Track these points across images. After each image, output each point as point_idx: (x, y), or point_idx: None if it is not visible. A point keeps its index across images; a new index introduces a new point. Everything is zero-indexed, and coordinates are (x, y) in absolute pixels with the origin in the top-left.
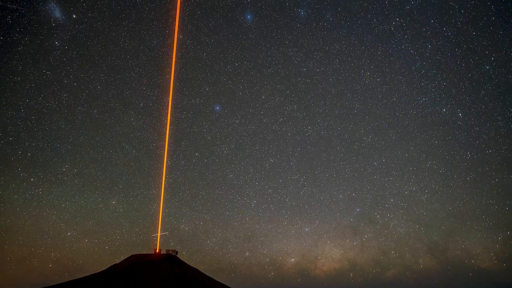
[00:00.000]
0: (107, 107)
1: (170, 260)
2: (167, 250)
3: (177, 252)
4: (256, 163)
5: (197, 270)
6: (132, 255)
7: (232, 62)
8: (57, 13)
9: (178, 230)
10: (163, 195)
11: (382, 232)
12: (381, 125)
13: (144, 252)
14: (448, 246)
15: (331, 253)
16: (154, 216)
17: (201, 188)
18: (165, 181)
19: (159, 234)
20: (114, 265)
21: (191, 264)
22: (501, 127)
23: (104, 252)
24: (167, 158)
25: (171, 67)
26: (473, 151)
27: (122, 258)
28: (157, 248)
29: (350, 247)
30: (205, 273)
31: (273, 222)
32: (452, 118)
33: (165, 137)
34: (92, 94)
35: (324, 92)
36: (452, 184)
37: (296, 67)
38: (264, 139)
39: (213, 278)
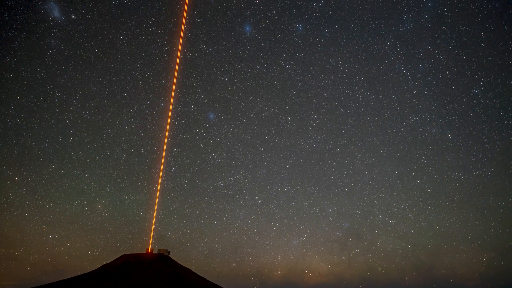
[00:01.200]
0: (99, 109)
1: (162, 259)
2: (159, 250)
3: (169, 252)
4: (247, 173)
5: (190, 270)
6: (123, 255)
7: (228, 71)
8: (56, 13)
9: (165, 237)
10: (158, 199)
11: (370, 249)
12: (372, 142)
13: (136, 252)
14: (434, 265)
15: (318, 267)
16: (140, 222)
17: (191, 195)
18: (155, 187)
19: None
20: (105, 264)
21: None
22: (488, 150)
23: (86, 257)
24: (157, 164)
25: (173, 72)
26: (460, 172)
27: (105, 263)
28: (149, 248)
29: (337, 262)
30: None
31: (261, 234)
32: (441, 138)
33: (159, 142)
34: (86, 95)
35: (318, 106)
36: (440, 203)
37: (292, 80)
38: (256, 149)
39: (206, 278)
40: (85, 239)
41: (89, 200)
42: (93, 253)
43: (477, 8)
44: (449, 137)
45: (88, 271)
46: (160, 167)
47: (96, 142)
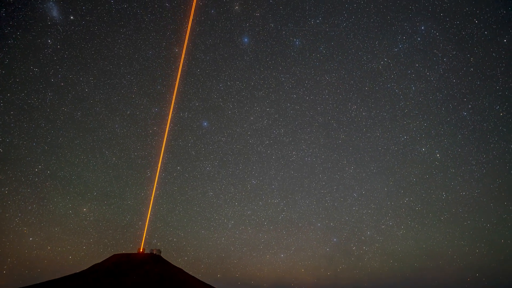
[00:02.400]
0: (92, 110)
1: (154, 259)
2: (151, 250)
3: (160, 252)
4: (238, 183)
5: (182, 270)
6: (114, 255)
7: (224, 80)
8: (55, 12)
9: (149, 245)
10: (152, 200)
11: (357, 265)
12: (363, 158)
13: (127, 251)
14: (420, 284)
15: (304, 282)
16: (126, 228)
17: (179, 203)
18: (142, 193)
19: None
20: (96, 264)
21: None
22: (475, 171)
23: (66, 262)
24: (147, 169)
25: (169, 78)
26: (448, 192)
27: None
28: (141, 248)
29: (324, 277)
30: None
31: (249, 245)
32: (430, 158)
33: (150, 147)
34: (79, 96)
35: (311, 120)
36: (427, 222)
37: (287, 93)
38: (248, 159)
39: (198, 278)
40: (67, 243)
41: (74, 203)
42: (74, 258)
43: (467, 34)
44: (438, 157)
45: (78, 271)
46: (156, 172)
47: (86, 144)
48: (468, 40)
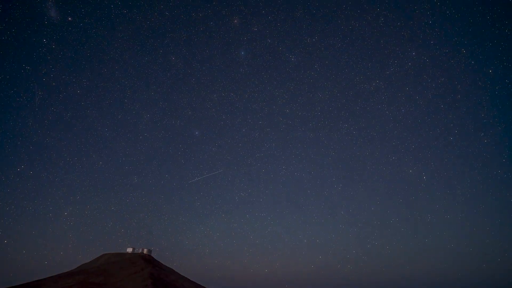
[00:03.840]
0: (82, 112)
1: (144, 259)
2: (142, 250)
3: (151, 251)
4: (226, 194)
5: (172, 269)
6: (103, 254)
7: (219, 91)
8: (53, 12)
9: None
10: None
11: (340, 283)
12: (352, 176)
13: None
14: None
15: None
16: (107, 235)
17: (165, 212)
18: (127, 200)
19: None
20: (85, 264)
21: None
22: (459, 196)
23: (41, 267)
24: (134, 176)
25: (164, 85)
26: (433, 215)
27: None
28: (131, 248)
29: None
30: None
31: (233, 259)
32: (417, 180)
33: (140, 153)
34: (70, 97)
35: (303, 135)
36: (412, 244)
37: (280, 107)
38: (238, 171)
39: (188, 277)
40: (43, 247)
41: (55, 206)
42: (50, 263)
43: (455, 63)
44: (425, 179)
45: (67, 271)
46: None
47: (73, 146)
48: (456, 68)
